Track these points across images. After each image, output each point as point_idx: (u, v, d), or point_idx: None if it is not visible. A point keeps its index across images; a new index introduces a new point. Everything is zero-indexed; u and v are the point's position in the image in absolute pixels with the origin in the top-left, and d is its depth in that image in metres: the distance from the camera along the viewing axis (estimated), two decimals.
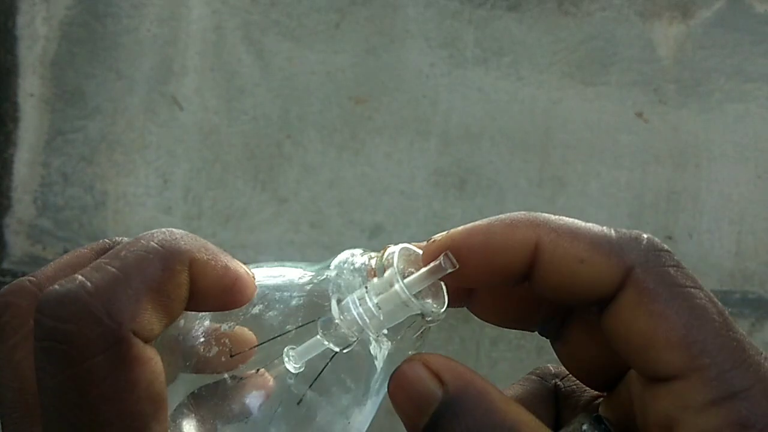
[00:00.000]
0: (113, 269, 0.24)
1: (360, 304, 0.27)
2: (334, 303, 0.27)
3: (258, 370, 0.28)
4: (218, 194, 1.19)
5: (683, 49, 1.22)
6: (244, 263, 0.29)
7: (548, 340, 0.30)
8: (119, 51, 1.18)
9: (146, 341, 0.24)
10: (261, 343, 0.27)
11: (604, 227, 0.26)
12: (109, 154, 1.19)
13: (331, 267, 0.28)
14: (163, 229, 0.27)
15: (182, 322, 0.27)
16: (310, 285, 0.28)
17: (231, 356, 0.28)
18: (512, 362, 1.18)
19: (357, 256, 0.28)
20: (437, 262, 0.26)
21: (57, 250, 1.18)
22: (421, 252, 0.28)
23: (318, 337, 0.27)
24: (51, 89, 1.18)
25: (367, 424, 0.28)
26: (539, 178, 1.21)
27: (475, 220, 0.27)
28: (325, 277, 0.28)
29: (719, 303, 0.25)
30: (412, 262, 0.27)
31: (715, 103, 1.22)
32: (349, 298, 0.27)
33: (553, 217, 0.26)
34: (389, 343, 0.28)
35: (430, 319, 0.27)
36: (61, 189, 1.19)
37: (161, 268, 0.25)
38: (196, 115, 1.19)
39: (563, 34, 1.21)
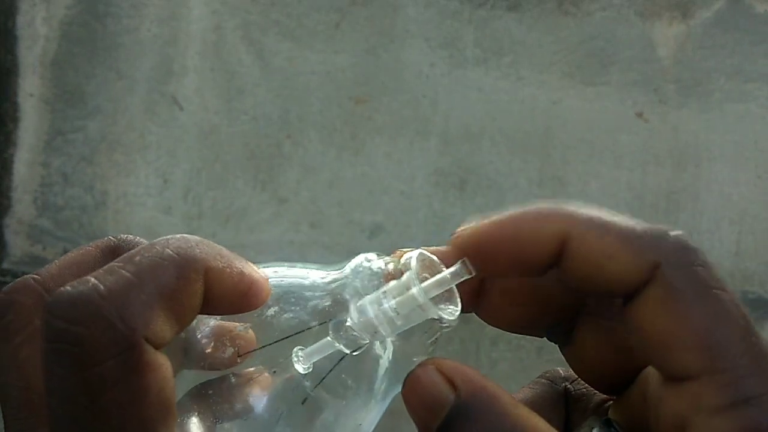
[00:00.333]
0: (127, 274, 0.24)
1: (376, 307, 0.27)
2: (352, 306, 0.27)
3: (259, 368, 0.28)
4: (218, 194, 1.19)
5: (683, 49, 1.22)
6: (255, 264, 0.28)
7: (551, 342, 0.30)
8: (119, 51, 1.19)
9: (157, 347, 0.24)
10: (270, 344, 0.27)
11: (633, 221, 0.26)
12: (109, 154, 1.19)
13: (347, 270, 0.28)
14: (179, 236, 0.26)
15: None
16: (326, 288, 0.28)
17: (239, 356, 0.27)
18: (512, 362, 1.18)
19: (373, 260, 0.28)
20: (455, 269, 0.26)
21: (57, 250, 1.18)
22: (436, 258, 0.28)
23: (329, 338, 0.27)
24: (51, 89, 1.18)
25: (373, 425, 0.28)
26: (539, 178, 1.21)
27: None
28: (341, 280, 0.28)
29: (743, 306, 0.25)
30: (427, 267, 0.27)
31: (715, 103, 1.22)
32: (365, 300, 0.27)
33: (582, 209, 0.27)
34: (394, 345, 0.28)
35: (444, 324, 0.27)
36: (61, 189, 1.19)
37: (176, 275, 0.25)
38: (196, 115, 1.19)
39: (563, 34, 1.21)
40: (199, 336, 0.28)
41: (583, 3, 1.21)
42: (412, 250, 0.28)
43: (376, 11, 1.20)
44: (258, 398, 0.27)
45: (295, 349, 0.27)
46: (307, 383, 0.27)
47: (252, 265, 0.28)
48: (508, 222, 0.26)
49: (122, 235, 0.30)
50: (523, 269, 0.26)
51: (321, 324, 0.27)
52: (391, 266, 0.28)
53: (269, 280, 0.28)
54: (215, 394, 0.27)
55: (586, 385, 0.30)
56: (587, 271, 0.25)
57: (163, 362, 0.24)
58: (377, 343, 0.28)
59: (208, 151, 1.19)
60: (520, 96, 1.21)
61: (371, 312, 0.27)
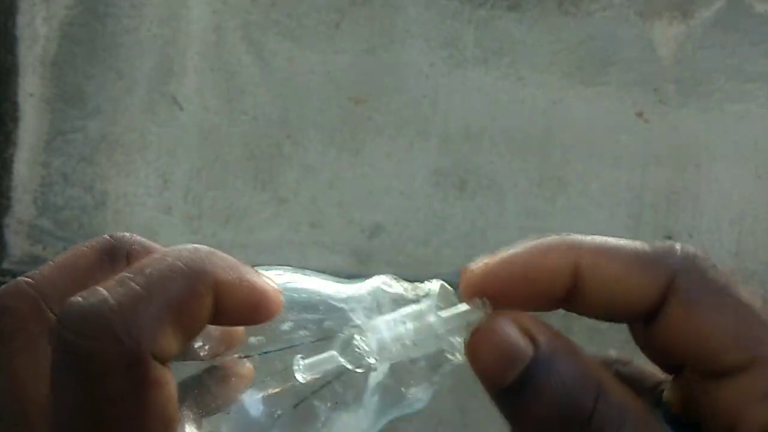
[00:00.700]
0: (137, 287, 0.24)
1: (392, 329, 0.27)
2: (365, 325, 0.27)
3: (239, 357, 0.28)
4: (218, 194, 1.19)
5: (683, 49, 1.22)
6: (268, 268, 0.28)
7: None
8: (119, 51, 1.19)
9: (164, 362, 0.24)
10: (273, 351, 0.27)
11: (638, 243, 0.26)
12: (109, 154, 1.19)
13: (365, 289, 0.29)
14: (190, 246, 0.26)
15: None
16: (340, 303, 0.28)
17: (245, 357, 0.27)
18: None
19: (393, 285, 0.29)
20: (474, 304, 0.27)
21: (57, 250, 1.18)
22: (452, 291, 0.28)
23: (334, 352, 0.27)
24: (51, 89, 1.18)
25: None
26: (539, 178, 1.21)
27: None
28: (357, 298, 0.28)
29: (759, 296, 0.26)
30: (444, 298, 0.28)
31: (715, 103, 1.22)
32: (380, 320, 0.27)
33: (588, 238, 0.27)
34: (395, 369, 0.28)
35: (452, 357, 0.27)
36: (61, 189, 1.19)
37: (185, 289, 0.24)
38: (196, 115, 1.19)
39: (563, 34, 1.21)
40: (203, 337, 0.28)
41: (583, 3, 1.21)
42: (432, 281, 0.28)
43: (376, 11, 1.20)
44: (249, 396, 0.27)
45: (296, 358, 0.27)
46: (302, 390, 0.27)
47: (265, 276, 0.28)
48: (518, 259, 0.26)
49: (119, 234, 0.30)
50: (537, 304, 0.27)
51: (326, 339, 0.27)
52: (410, 293, 0.28)
53: (281, 287, 0.28)
54: (203, 388, 0.27)
55: (639, 368, 0.30)
56: (602, 297, 0.26)
57: (168, 379, 0.24)
58: (381, 364, 0.28)
59: (208, 151, 1.19)
60: (520, 96, 1.21)
61: (385, 333, 0.27)
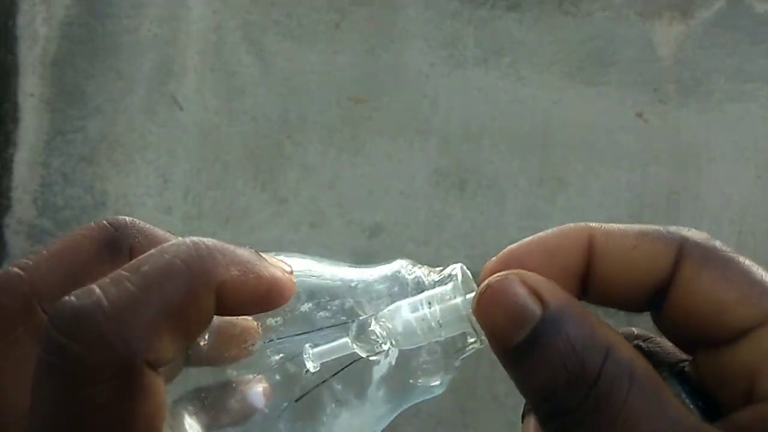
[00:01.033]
0: (132, 287, 0.23)
1: (417, 310, 0.27)
2: (382, 310, 0.27)
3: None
4: (218, 194, 1.19)
5: (683, 49, 1.22)
6: (284, 255, 0.28)
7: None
8: (119, 51, 1.19)
9: (158, 367, 0.23)
10: (282, 338, 0.27)
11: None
12: (109, 154, 1.19)
13: (383, 274, 0.28)
14: (190, 241, 0.25)
15: None
16: (356, 289, 0.28)
17: (251, 346, 0.27)
18: None
19: (414, 269, 0.29)
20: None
21: None
22: (471, 276, 0.28)
23: (346, 340, 0.27)
24: (51, 89, 1.18)
25: (377, 429, 0.28)
26: (539, 178, 1.21)
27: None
28: (374, 283, 0.28)
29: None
30: (465, 282, 0.28)
31: (715, 103, 1.22)
32: (401, 305, 0.27)
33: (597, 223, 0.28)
34: (404, 355, 0.27)
35: (474, 341, 0.27)
36: (61, 189, 1.19)
37: (184, 291, 0.23)
38: (196, 115, 1.19)
39: (563, 34, 1.21)
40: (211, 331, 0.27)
41: (583, 3, 1.21)
42: (452, 266, 0.28)
43: (376, 11, 1.20)
44: (256, 403, 0.27)
45: (306, 346, 0.27)
46: (312, 380, 0.27)
47: (277, 261, 0.27)
48: (532, 240, 0.27)
49: (120, 221, 0.29)
50: (557, 280, 0.27)
51: (339, 325, 0.27)
52: (432, 276, 0.28)
53: (298, 273, 0.27)
54: (211, 399, 0.27)
55: (660, 344, 0.30)
56: (617, 266, 0.26)
57: (158, 389, 0.23)
58: (391, 351, 0.27)
59: (208, 151, 1.19)
60: (520, 96, 1.21)
61: (410, 315, 0.27)
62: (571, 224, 0.27)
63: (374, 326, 0.27)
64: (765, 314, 0.25)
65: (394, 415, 0.28)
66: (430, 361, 0.28)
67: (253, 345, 0.27)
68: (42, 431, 0.23)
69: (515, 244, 0.27)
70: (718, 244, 0.27)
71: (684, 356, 0.29)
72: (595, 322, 0.25)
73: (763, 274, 0.26)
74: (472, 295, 0.27)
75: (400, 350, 0.27)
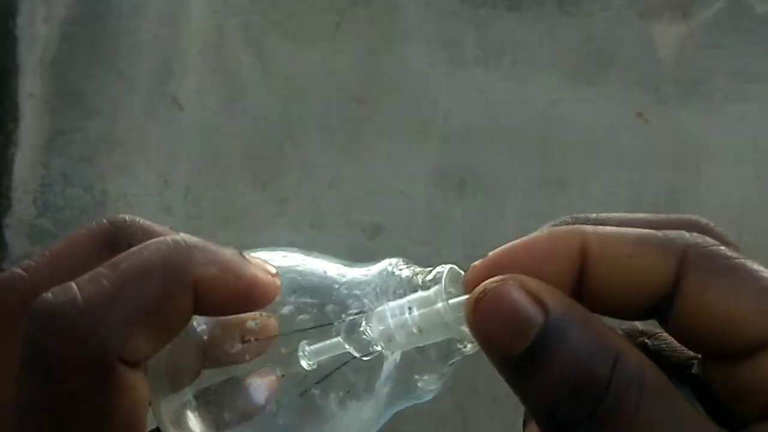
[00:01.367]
0: (108, 284, 0.23)
1: (398, 316, 0.26)
2: (371, 311, 0.26)
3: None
4: (218, 194, 1.19)
5: (683, 49, 1.22)
6: (268, 250, 0.27)
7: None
8: (119, 51, 1.19)
9: (134, 366, 0.23)
10: (273, 336, 0.26)
11: (645, 215, 0.26)
12: (109, 154, 1.19)
13: (373, 273, 0.27)
14: (171, 239, 0.25)
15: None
16: (346, 287, 0.27)
17: (246, 341, 0.26)
18: None
19: (403, 269, 0.27)
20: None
21: None
22: (463, 275, 0.26)
23: (340, 339, 0.26)
24: (51, 89, 1.18)
25: (374, 428, 0.28)
26: (539, 178, 1.21)
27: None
28: (364, 281, 0.27)
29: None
30: (455, 283, 0.26)
31: (715, 103, 1.22)
32: (386, 307, 0.26)
33: (592, 225, 0.25)
34: (405, 356, 0.26)
35: (461, 346, 0.26)
36: (61, 189, 1.19)
37: (160, 290, 0.23)
38: (196, 115, 1.19)
39: (563, 34, 1.21)
40: (204, 331, 0.27)
41: (583, 3, 1.21)
42: (444, 266, 0.27)
43: (376, 11, 1.20)
44: (260, 398, 0.26)
45: (301, 344, 0.26)
46: (309, 379, 0.26)
47: (259, 261, 0.26)
48: (520, 246, 0.25)
49: (119, 218, 0.28)
50: None
51: (330, 324, 0.26)
52: (420, 277, 0.27)
53: (285, 270, 0.27)
54: (215, 397, 0.27)
55: (667, 341, 0.28)
56: (613, 277, 0.24)
57: (136, 384, 0.23)
58: (389, 352, 0.26)
59: (208, 151, 1.19)
60: (520, 96, 1.21)
61: (390, 320, 0.26)
62: (562, 228, 0.25)
63: (363, 327, 0.26)
64: None
65: (387, 415, 0.27)
66: (422, 364, 0.27)
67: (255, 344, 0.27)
68: (22, 424, 0.23)
69: (500, 250, 0.25)
70: (723, 249, 0.24)
71: (692, 353, 0.27)
72: (601, 328, 0.23)
73: None
74: (459, 299, 0.25)
75: (399, 351, 0.27)
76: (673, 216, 0.26)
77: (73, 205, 1.18)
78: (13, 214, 1.18)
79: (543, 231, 0.25)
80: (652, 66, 1.21)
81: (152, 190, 1.19)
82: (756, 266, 0.24)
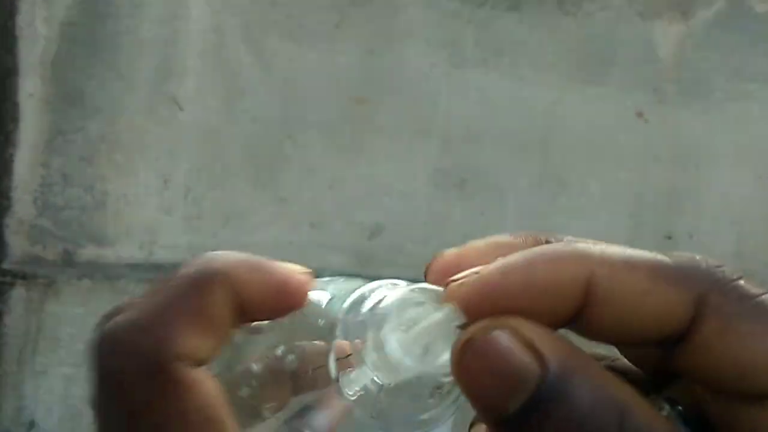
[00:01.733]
0: (147, 301, 0.24)
1: (403, 343, 0.24)
2: (383, 335, 0.24)
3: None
4: (218, 194, 1.19)
5: (683, 49, 1.22)
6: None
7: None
8: (119, 51, 1.19)
9: (198, 364, 0.24)
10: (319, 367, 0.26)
11: (656, 254, 0.22)
12: (109, 154, 1.19)
13: (392, 300, 0.25)
14: (206, 253, 0.26)
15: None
16: (367, 312, 0.25)
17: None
18: None
19: (419, 294, 0.24)
20: (443, 315, 0.22)
21: (57, 250, 1.18)
22: (429, 288, 0.24)
23: (365, 366, 0.24)
24: (51, 89, 1.18)
25: None
26: (539, 178, 1.21)
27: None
28: (384, 308, 0.25)
29: None
30: (414, 305, 0.24)
31: (715, 103, 1.22)
32: (394, 334, 0.24)
33: (599, 247, 0.22)
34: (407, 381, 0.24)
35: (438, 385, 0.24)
36: (61, 189, 1.19)
37: (198, 291, 0.24)
38: (196, 115, 1.19)
39: (563, 34, 1.21)
40: (292, 364, 0.27)
41: (583, 3, 1.21)
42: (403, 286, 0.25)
43: (376, 11, 1.20)
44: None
45: (340, 375, 0.25)
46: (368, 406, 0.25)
47: (289, 266, 0.27)
48: (517, 269, 0.22)
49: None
50: (538, 320, 0.22)
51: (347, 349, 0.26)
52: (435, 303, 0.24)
53: (324, 285, 0.27)
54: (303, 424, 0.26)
55: (630, 363, 0.26)
56: (621, 315, 0.22)
57: (202, 379, 0.24)
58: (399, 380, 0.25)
59: (208, 151, 1.19)
60: (520, 96, 1.21)
61: (395, 348, 0.23)
62: (566, 252, 0.22)
63: (378, 355, 0.24)
64: None
65: None
66: (431, 394, 0.25)
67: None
68: None
69: (492, 270, 0.22)
70: (745, 288, 0.21)
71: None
72: (604, 379, 0.21)
73: None
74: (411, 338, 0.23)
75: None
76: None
77: (73, 205, 1.18)
78: (13, 214, 1.18)
79: (542, 251, 0.22)
80: (652, 66, 1.21)
81: (152, 190, 1.19)
82: (765, 297, 0.22)
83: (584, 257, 0.22)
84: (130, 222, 1.18)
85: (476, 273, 0.23)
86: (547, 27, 1.21)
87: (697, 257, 0.22)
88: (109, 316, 0.26)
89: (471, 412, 0.22)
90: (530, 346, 0.20)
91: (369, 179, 1.20)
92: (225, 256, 0.26)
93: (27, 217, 1.18)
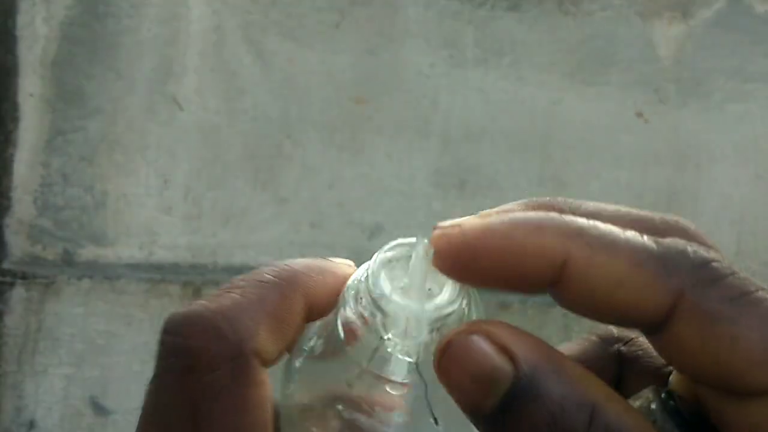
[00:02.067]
0: (234, 294, 0.25)
1: (428, 333, 0.25)
2: (411, 327, 0.25)
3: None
4: (218, 194, 1.19)
5: (683, 49, 1.22)
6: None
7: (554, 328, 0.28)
8: (119, 51, 1.18)
9: (263, 364, 0.25)
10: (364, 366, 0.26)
11: (645, 237, 0.22)
12: (109, 154, 1.19)
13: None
14: (280, 262, 0.27)
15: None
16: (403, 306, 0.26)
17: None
18: None
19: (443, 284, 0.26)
20: (418, 252, 0.25)
21: (57, 250, 1.18)
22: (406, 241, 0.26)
23: (409, 359, 0.25)
24: (51, 89, 1.18)
25: None
26: (539, 178, 1.21)
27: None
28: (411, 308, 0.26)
29: None
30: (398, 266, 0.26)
31: (715, 103, 1.22)
32: (422, 324, 0.25)
33: (585, 224, 0.23)
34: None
35: (436, 319, 0.24)
36: (61, 189, 1.19)
37: (278, 295, 0.25)
38: (196, 115, 1.19)
39: (563, 34, 1.21)
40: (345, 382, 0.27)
41: (583, 3, 1.21)
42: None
43: (376, 11, 1.20)
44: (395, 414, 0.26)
45: (408, 363, 0.25)
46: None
47: (342, 260, 0.28)
48: (498, 232, 0.23)
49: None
50: (512, 285, 0.23)
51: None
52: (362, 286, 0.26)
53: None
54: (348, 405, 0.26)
55: (643, 347, 0.27)
56: (595, 300, 0.22)
57: (266, 380, 0.25)
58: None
59: (208, 151, 1.19)
60: (520, 96, 1.20)
61: (425, 338, 0.25)
62: (549, 225, 0.22)
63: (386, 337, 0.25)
64: None
65: None
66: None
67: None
68: (156, 418, 0.24)
69: (474, 226, 0.23)
70: (730, 281, 0.22)
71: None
72: (577, 377, 0.21)
73: None
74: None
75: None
76: (666, 218, 0.25)
77: (73, 205, 1.18)
78: (13, 214, 1.18)
79: (526, 218, 0.23)
80: (652, 66, 1.21)
81: (152, 190, 1.19)
82: (761, 293, 0.22)
83: (565, 234, 0.22)
84: (130, 222, 1.18)
85: (459, 225, 0.24)
86: (546, 27, 1.21)
87: (688, 247, 0.22)
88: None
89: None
90: (505, 350, 0.21)
91: (368, 179, 1.20)
92: (301, 264, 0.27)
93: (27, 217, 1.18)
